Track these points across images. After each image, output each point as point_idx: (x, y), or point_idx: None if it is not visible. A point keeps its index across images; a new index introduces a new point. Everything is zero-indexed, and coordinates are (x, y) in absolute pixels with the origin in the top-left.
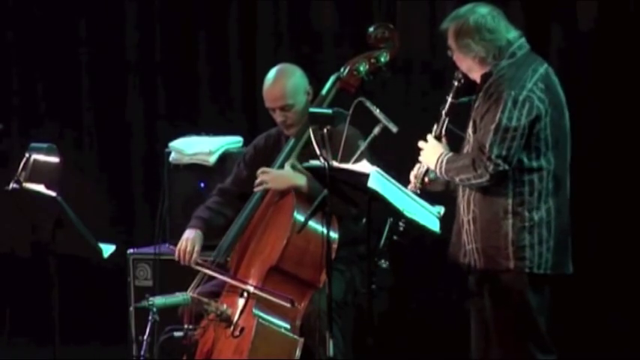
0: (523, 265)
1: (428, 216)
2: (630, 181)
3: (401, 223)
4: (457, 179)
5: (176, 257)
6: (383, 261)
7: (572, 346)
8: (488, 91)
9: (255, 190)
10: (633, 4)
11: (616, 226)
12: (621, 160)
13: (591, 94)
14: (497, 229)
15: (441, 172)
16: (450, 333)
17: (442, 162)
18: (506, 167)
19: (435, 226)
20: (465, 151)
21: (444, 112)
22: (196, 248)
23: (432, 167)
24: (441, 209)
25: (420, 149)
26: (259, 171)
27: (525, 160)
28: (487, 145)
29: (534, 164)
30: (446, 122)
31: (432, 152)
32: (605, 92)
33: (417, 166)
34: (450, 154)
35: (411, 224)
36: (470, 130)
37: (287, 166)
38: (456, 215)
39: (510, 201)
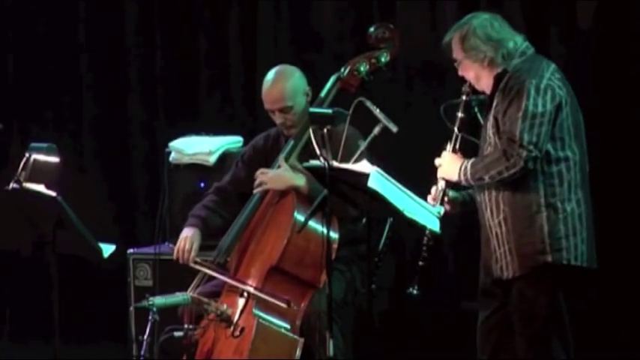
0: (561, 257)
1: (428, 216)
2: (630, 181)
3: (425, 247)
4: (487, 177)
5: (174, 256)
6: (412, 289)
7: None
8: (507, 85)
9: (255, 191)
10: (633, 4)
11: (615, 226)
12: (622, 160)
13: (591, 94)
14: (530, 225)
15: (466, 178)
16: (449, 333)
17: (466, 167)
18: (538, 154)
19: (435, 226)
20: (485, 153)
21: (455, 129)
22: (195, 247)
23: (455, 177)
24: (441, 209)
25: (436, 167)
26: (258, 172)
27: (552, 150)
28: (517, 133)
29: (561, 154)
30: (459, 138)
31: (452, 164)
32: (605, 92)
33: (434, 188)
34: (472, 159)
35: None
36: (490, 132)
37: (284, 164)
38: (482, 225)
39: (542, 193)
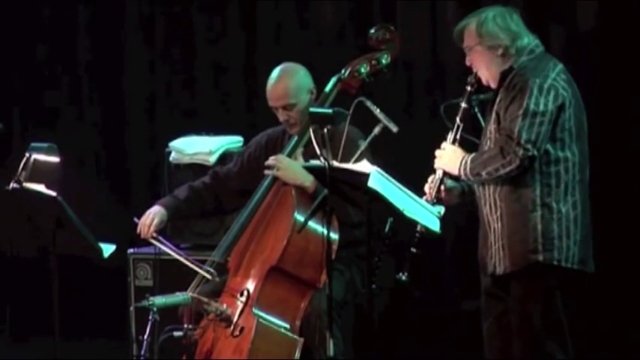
0: (552, 257)
1: (428, 216)
2: (630, 181)
3: (417, 235)
4: (484, 173)
5: (137, 230)
6: (401, 274)
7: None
8: (511, 83)
9: (265, 172)
10: (633, 4)
11: (616, 227)
12: (622, 161)
13: (591, 94)
14: (524, 223)
15: (465, 173)
16: (449, 333)
17: (466, 162)
18: (535, 153)
19: (435, 226)
20: (485, 148)
21: (457, 119)
22: (155, 222)
23: (455, 171)
24: (442, 209)
25: (436, 157)
26: (272, 157)
27: (551, 150)
28: (516, 131)
29: (560, 155)
30: (460, 128)
31: (453, 156)
32: (605, 92)
33: (431, 177)
34: (473, 154)
35: (427, 234)
36: (492, 127)
37: (300, 159)
38: (480, 221)
39: (538, 192)
